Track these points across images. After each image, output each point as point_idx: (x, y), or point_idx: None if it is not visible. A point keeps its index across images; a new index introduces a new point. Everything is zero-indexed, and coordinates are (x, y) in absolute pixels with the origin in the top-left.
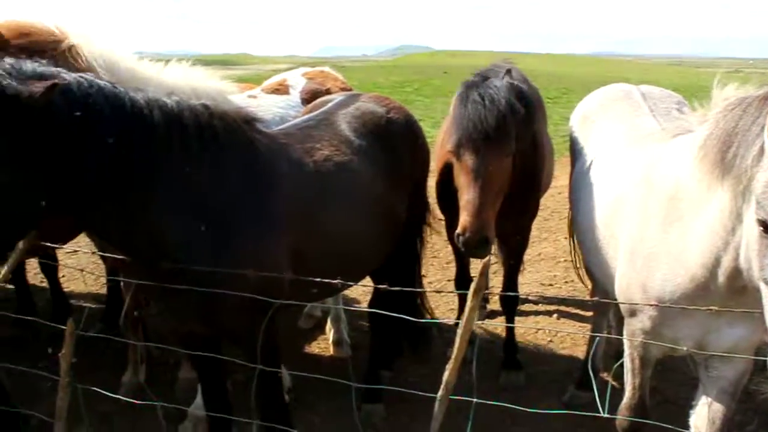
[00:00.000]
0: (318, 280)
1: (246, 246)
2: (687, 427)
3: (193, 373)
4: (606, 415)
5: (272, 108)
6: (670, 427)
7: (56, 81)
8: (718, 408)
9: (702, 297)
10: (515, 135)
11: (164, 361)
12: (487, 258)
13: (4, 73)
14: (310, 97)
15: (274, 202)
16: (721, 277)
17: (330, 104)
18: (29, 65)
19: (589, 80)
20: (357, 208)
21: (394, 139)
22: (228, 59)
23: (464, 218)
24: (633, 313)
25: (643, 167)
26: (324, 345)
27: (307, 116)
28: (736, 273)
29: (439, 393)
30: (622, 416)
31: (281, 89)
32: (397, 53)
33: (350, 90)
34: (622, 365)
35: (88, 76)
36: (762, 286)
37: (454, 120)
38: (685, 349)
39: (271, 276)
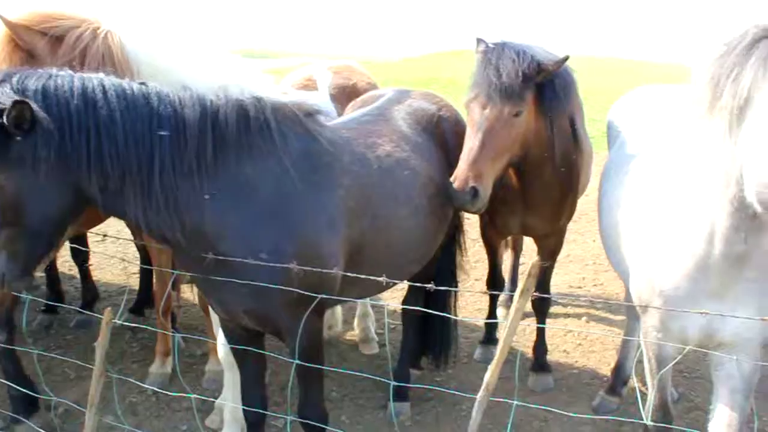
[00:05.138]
0: (364, 276)
1: (303, 239)
2: None
3: (221, 365)
4: (634, 421)
5: None
6: None
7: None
8: (732, 409)
9: (702, 276)
10: (548, 106)
11: (191, 352)
12: (537, 260)
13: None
14: (337, 92)
15: (334, 196)
16: (719, 244)
17: (381, 100)
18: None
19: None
20: (416, 205)
21: (445, 137)
22: (258, 53)
23: (458, 167)
24: (644, 311)
25: (646, 160)
26: (351, 341)
27: (362, 111)
28: (732, 234)
29: (480, 394)
30: (648, 421)
31: (309, 85)
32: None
33: (376, 85)
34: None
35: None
36: None
37: (471, 78)
38: (689, 347)
39: (319, 271)
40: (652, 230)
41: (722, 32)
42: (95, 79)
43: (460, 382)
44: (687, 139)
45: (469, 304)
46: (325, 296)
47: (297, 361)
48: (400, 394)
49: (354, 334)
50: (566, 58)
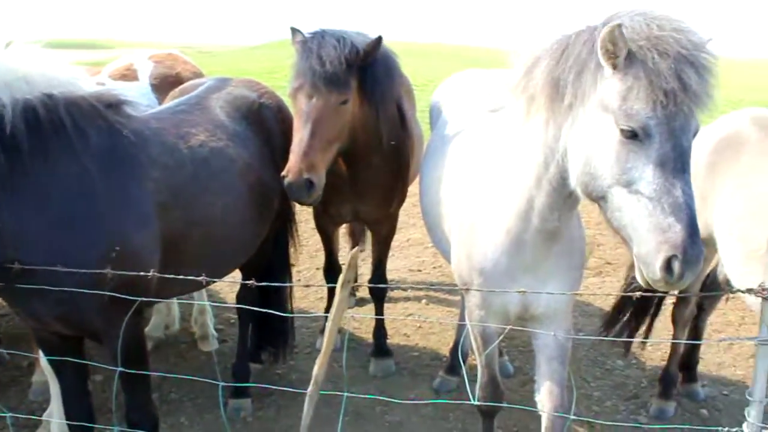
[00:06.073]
0: (181, 277)
1: (111, 238)
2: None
3: (47, 376)
4: (471, 402)
5: None
6: (529, 408)
7: None
8: (551, 378)
9: (518, 251)
10: (372, 91)
11: (17, 364)
12: (355, 250)
13: None
14: (159, 82)
15: (143, 190)
16: (535, 220)
17: (200, 89)
18: None
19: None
20: (233, 195)
21: (266, 124)
22: (90, 43)
23: (290, 160)
24: (467, 290)
25: (464, 141)
26: (190, 339)
27: (178, 101)
28: (547, 212)
29: (309, 389)
30: (480, 399)
31: (129, 74)
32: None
33: (201, 74)
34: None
35: None
36: (615, 191)
37: (293, 68)
38: (509, 327)
39: (135, 274)
40: (471, 209)
41: (542, 23)
42: None
43: (302, 373)
44: (505, 121)
45: (311, 293)
46: (143, 299)
47: (120, 369)
48: (240, 391)
49: (192, 331)
50: (380, 39)
